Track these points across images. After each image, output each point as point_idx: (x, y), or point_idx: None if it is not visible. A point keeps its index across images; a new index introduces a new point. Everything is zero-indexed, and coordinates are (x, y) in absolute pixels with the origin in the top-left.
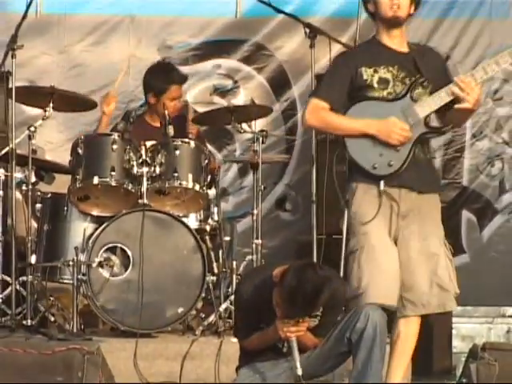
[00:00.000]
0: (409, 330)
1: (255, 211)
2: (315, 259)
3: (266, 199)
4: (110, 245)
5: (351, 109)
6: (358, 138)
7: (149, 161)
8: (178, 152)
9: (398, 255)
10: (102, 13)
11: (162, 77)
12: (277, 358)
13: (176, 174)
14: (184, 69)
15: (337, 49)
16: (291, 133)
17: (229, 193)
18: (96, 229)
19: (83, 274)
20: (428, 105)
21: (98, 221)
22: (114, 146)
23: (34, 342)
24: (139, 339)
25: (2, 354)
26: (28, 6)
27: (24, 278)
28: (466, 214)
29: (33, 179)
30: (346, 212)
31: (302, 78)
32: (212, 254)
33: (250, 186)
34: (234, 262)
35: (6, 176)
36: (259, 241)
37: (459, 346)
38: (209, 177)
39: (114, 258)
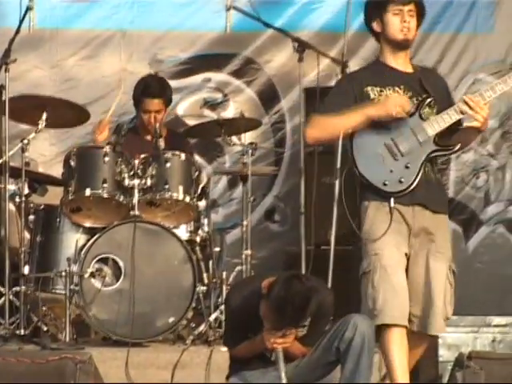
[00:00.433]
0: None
1: (244, 222)
2: (304, 270)
3: (256, 210)
4: (102, 256)
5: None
6: (368, 152)
7: (140, 173)
8: (168, 164)
9: (409, 270)
10: (93, 27)
11: (138, 90)
12: (265, 366)
13: (167, 186)
14: (174, 82)
15: (325, 63)
16: (280, 145)
17: (219, 204)
18: (88, 240)
19: (75, 285)
20: (437, 123)
21: (90, 232)
22: (106, 159)
23: (28, 351)
24: (131, 348)
25: None
26: (21, 21)
27: (17, 289)
28: (451, 225)
29: (26, 191)
30: (333, 227)
31: (291, 91)
32: (202, 264)
33: (239, 197)
34: (224, 273)
35: None
36: (249, 251)
37: (445, 354)
38: (199, 189)
39: (105, 268)
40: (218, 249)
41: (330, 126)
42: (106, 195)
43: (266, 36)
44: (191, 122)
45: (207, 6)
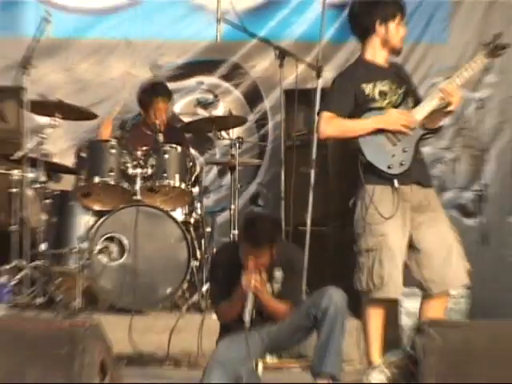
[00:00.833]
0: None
1: (232, 206)
2: None
3: (242, 196)
4: (109, 235)
5: (361, 119)
6: (371, 141)
7: (142, 163)
8: (166, 156)
9: (417, 242)
10: (102, 37)
11: (148, 91)
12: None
13: (165, 175)
14: (171, 84)
15: (302, 68)
16: (263, 139)
17: (210, 190)
18: (96, 221)
19: (86, 260)
20: (422, 109)
21: (99, 214)
22: (112, 151)
23: (43, 318)
24: (133, 315)
25: (16, 327)
26: (38, 33)
27: (35, 263)
28: None
29: (43, 179)
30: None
31: (273, 92)
32: (195, 242)
33: (228, 184)
34: (215, 250)
35: (20, 176)
36: (236, 231)
37: (404, 320)
38: (193, 177)
39: (111, 246)
40: (209, 229)
41: (344, 128)
42: (112, 182)
43: (251, 45)
44: (186, 119)
45: (200, 18)
